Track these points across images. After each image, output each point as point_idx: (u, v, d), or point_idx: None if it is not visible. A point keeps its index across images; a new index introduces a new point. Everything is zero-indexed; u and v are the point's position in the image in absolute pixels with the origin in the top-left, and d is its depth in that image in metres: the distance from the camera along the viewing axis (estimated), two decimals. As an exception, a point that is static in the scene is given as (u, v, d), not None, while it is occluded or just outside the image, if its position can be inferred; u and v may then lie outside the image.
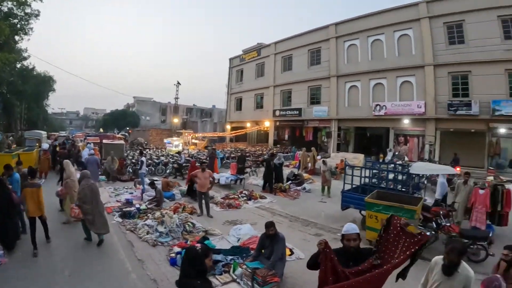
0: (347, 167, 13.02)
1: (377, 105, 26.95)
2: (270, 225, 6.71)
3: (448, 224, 9.01)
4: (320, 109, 31.55)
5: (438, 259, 3.91)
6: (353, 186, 11.93)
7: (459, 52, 23.37)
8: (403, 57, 26.14)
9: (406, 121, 25.56)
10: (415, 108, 24.80)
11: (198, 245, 6.27)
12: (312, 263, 4.06)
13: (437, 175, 15.21)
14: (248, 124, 40.31)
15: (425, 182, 16.36)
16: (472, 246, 8.10)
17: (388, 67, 26.72)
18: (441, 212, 9.35)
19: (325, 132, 31.46)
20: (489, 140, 22.41)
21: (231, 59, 45.50)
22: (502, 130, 22.02)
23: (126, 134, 49.23)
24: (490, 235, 8.25)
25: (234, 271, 6.46)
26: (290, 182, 17.61)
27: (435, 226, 9.12)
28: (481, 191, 10.20)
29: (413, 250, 3.64)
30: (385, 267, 3.59)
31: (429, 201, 12.58)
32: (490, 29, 22.03)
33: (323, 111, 31.22)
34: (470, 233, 8.52)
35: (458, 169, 17.08)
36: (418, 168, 11.93)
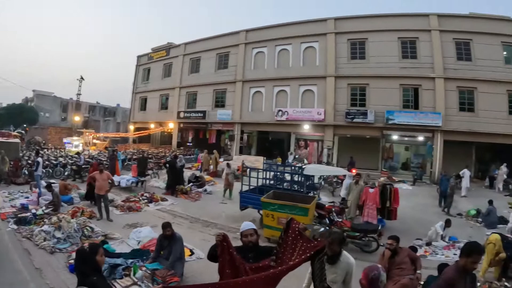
0: (247, 169, 13.11)
1: (279, 110, 26.08)
2: (166, 225, 6.42)
3: (340, 220, 9.33)
4: (224, 113, 29.38)
5: None
6: (251, 187, 11.73)
7: (359, 66, 24.19)
8: (307, 67, 25.96)
9: (306, 127, 25.25)
10: (315, 115, 24.67)
11: (86, 244, 5.95)
12: (211, 254, 3.72)
13: (334, 176, 16.76)
14: (152, 125, 36.21)
15: (322, 182, 16.66)
16: (364, 239, 8.49)
17: (292, 76, 26.21)
18: (333, 209, 9.73)
19: (228, 135, 29.46)
20: (383, 145, 23.90)
21: (139, 57, 40.93)
22: (394, 136, 23.64)
23: (23, 132, 43.00)
24: (379, 228, 8.66)
25: (134, 274, 6.03)
26: (191, 184, 16.54)
27: (328, 222, 9.22)
28: (371, 190, 10.69)
29: (308, 255, 3.55)
30: (279, 268, 3.43)
31: (325, 199, 13.03)
32: (390, 48, 23.32)
33: (227, 115, 29.12)
34: (361, 227, 8.92)
35: (354, 171, 17.03)
36: (311, 169, 12.11)
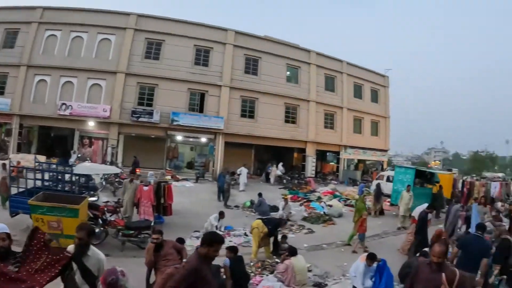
0: (23, 170, 11.69)
1: (63, 104, 21.23)
2: None
3: (113, 219, 9.00)
4: (2, 102, 22.36)
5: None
6: (20, 189, 9.91)
7: (152, 67, 22.47)
8: (99, 60, 22.23)
9: (91, 124, 21.77)
10: (101, 111, 21.39)
11: None
12: None
13: (116, 176, 15.60)
14: None
15: (103, 183, 15.43)
16: (139, 236, 8.28)
17: (82, 67, 21.78)
18: (106, 209, 9.28)
19: (5, 129, 22.71)
20: (168, 145, 23.12)
21: None
22: (179, 137, 23.02)
23: None
24: (152, 224, 8.69)
25: None
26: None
27: (101, 222, 8.71)
28: (145, 188, 10.31)
29: (57, 270, 3.16)
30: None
31: (106, 200, 11.91)
32: (185, 54, 22.78)
33: (5, 104, 22.14)
34: (134, 225, 8.71)
35: (138, 171, 16.91)
36: (82, 168, 11.29)
